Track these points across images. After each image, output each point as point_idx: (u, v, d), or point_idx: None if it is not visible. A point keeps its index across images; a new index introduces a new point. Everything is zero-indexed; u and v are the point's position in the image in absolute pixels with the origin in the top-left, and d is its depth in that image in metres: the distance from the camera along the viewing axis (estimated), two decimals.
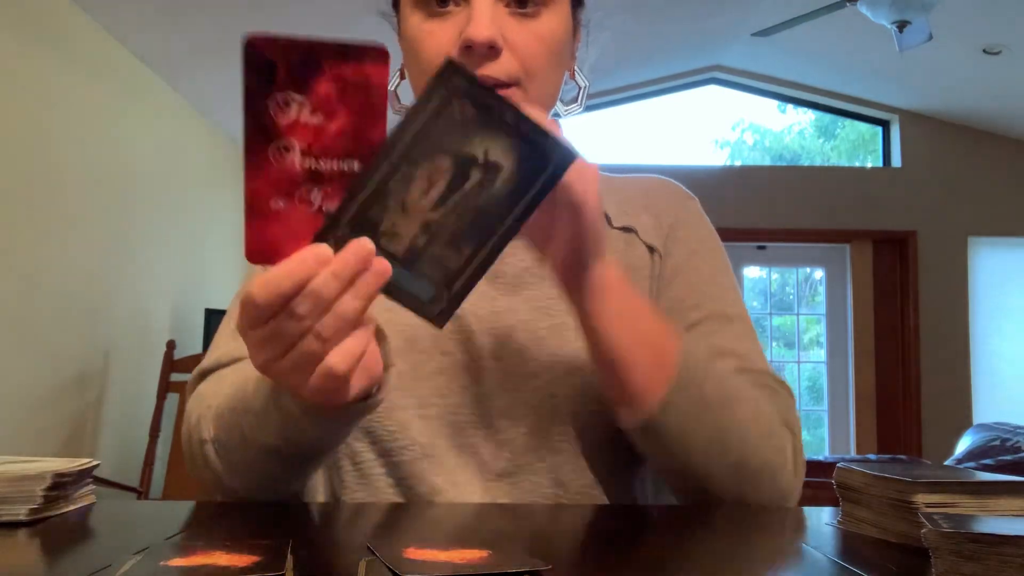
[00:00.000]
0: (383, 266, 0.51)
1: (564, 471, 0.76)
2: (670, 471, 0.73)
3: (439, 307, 0.53)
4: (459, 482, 0.75)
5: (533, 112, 0.53)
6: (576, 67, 0.82)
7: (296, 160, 0.51)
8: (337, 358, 0.52)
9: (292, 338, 0.51)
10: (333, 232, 0.51)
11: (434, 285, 0.53)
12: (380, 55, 0.50)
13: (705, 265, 0.84)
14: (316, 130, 0.50)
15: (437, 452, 0.76)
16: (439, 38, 0.72)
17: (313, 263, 0.49)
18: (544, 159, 0.52)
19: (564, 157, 0.52)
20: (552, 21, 0.73)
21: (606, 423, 0.74)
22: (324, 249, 0.50)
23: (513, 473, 0.76)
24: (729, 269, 0.87)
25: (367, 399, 0.61)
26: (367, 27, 0.83)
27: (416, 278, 0.53)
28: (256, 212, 0.51)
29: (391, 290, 0.52)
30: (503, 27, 0.70)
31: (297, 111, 0.50)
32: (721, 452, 0.70)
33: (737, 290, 0.86)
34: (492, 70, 0.70)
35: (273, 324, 0.51)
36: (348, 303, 0.50)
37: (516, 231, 0.53)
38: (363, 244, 0.50)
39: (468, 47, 0.69)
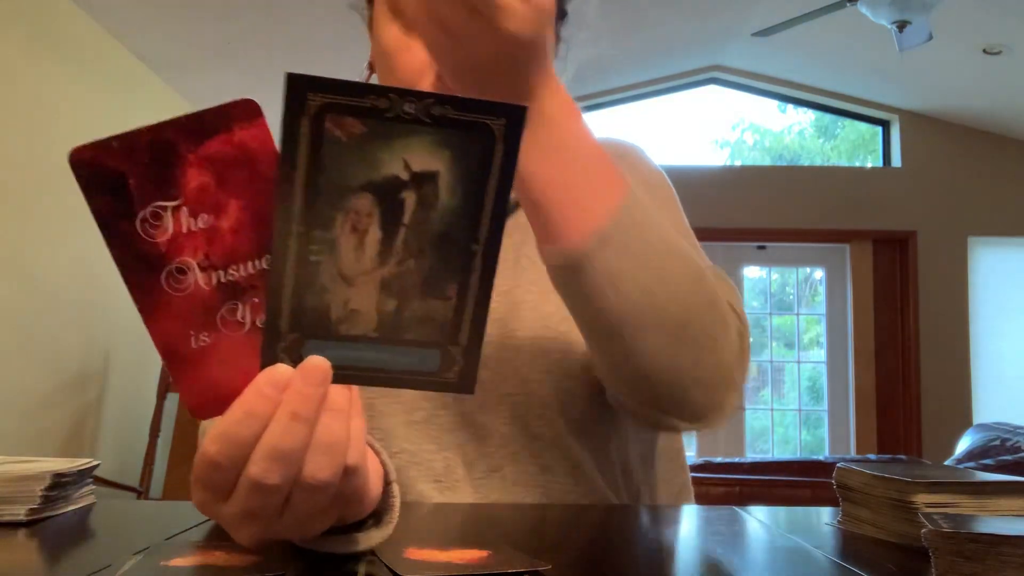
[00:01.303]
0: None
1: (548, 456, 0.75)
2: (597, 332, 0.63)
3: (455, 369, 0.42)
4: (449, 486, 0.75)
5: (433, 84, 0.46)
6: None
7: (199, 280, 0.40)
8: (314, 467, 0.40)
9: (272, 510, 0.41)
10: (278, 345, 0.40)
11: (434, 348, 0.42)
12: (249, 111, 0.39)
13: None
14: (207, 235, 0.39)
15: (425, 458, 0.75)
16: (417, 54, 0.70)
17: (272, 391, 0.39)
18: (485, 132, 0.39)
19: (511, 114, 0.39)
20: None
21: (582, 400, 0.74)
22: (280, 371, 0.39)
23: (500, 467, 0.75)
24: (673, 198, 0.83)
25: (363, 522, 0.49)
26: (359, 20, 0.83)
27: (407, 352, 0.41)
28: (179, 359, 0.40)
29: (388, 379, 0.42)
30: None
31: (174, 221, 0.39)
32: (658, 306, 0.60)
33: (683, 219, 0.81)
34: None
35: (244, 501, 0.40)
36: (333, 431, 0.40)
37: (500, 232, 0.41)
38: (316, 365, 0.40)
39: None
